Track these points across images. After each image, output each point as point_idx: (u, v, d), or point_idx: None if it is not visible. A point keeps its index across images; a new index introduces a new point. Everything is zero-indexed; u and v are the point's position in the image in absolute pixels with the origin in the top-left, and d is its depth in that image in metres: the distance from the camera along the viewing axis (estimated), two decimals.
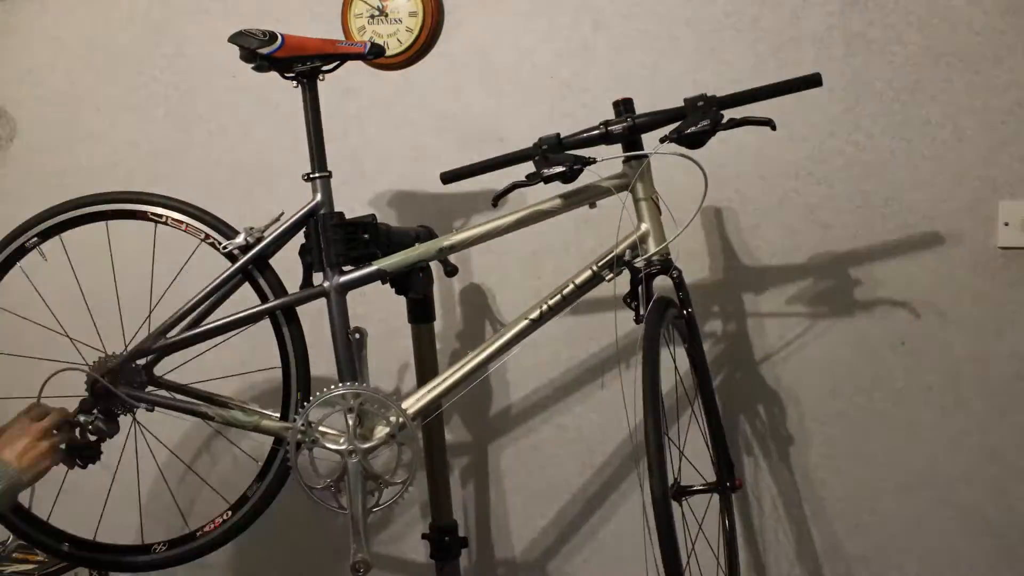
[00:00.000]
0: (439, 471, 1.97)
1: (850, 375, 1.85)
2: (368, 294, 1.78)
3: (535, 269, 2.03)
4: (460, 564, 2.03)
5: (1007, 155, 1.71)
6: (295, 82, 1.65)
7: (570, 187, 1.60)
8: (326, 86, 1.67)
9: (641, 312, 1.54)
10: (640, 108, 1.59)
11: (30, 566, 2.13)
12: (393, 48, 2.03)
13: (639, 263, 1.56)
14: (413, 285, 1.74)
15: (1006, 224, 1.72)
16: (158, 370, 1.72)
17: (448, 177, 1.70)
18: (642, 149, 1.57)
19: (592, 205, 1.62)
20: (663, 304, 1.56)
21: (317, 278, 1.67)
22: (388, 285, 1.74)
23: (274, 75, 1.65)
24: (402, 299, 1.86)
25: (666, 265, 1.56)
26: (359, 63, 1.77)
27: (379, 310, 2.09)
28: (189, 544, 1.73)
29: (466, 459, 2.16)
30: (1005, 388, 1.75)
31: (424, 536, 2.02)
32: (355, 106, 2.13)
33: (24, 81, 2.41)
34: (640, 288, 1.55)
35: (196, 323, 1.68)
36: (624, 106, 1.59)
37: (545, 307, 1.60)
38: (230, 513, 1.72)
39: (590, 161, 1.55)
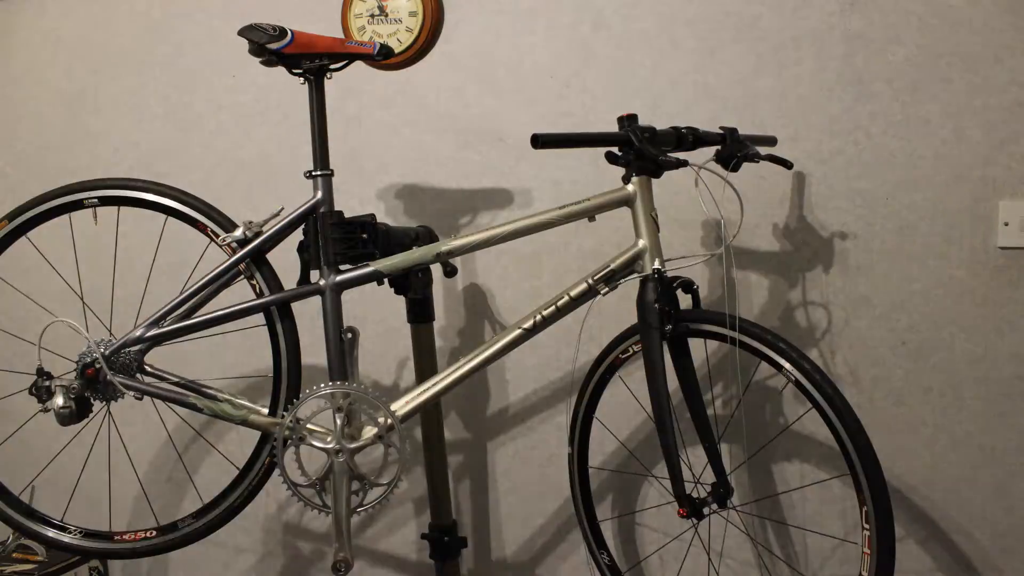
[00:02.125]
0: (438, 471, 1.97)
1: (850, 375, 1.85)
2: (369, 293, 1.78)
3: (535, 268, 2.03)
4: (460, 564, 2.03)
5: (1007, 155, 1.71)
6: (302, 79, 1.64)
7: (571, 198, 1.61)
8: (326, 85, 1.67)
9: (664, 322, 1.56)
10: (640, 109, 1.59)
11: (30, 566, 2.13)
12: (393, 48, 2.03)
13: (633, 278, 1.57)
14: (412, 286, 1.74)
15: (1006, 224, 1.72)
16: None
17: (543, 141, 1.49)
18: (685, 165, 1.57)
19: (591, 219, 1.62)
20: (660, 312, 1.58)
21: (314, 276, 1.66)
22: (388, 285, 1.74)
23: (274, 74, 1.65)
24: (402, 299, 1.86)
25: (665, 282, 1.56)
26: (358, 63, 1.77)
27: (379, 310, 2.09)
28: (103, 542, 1.75)
29: (466, 459, 2.16)
30: (1005, 388, 1.75)
31: (424, 536, 2.02)
32: (355, 106, 2.13)
33: (24, 81, 2.41)
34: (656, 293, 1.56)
35: (189, 314, 1.68)
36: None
37: (539, 317, 1.60)
38: (154, 533, 1.73)
39: (683, 163, 1.54)
